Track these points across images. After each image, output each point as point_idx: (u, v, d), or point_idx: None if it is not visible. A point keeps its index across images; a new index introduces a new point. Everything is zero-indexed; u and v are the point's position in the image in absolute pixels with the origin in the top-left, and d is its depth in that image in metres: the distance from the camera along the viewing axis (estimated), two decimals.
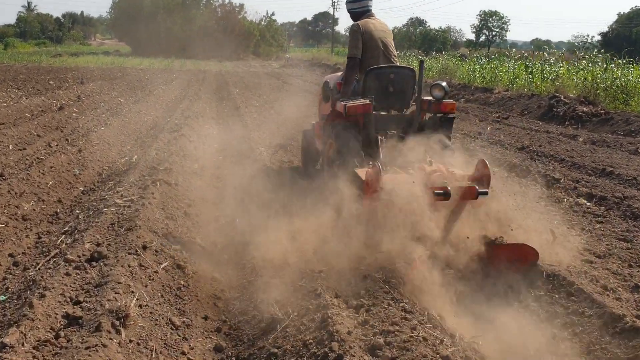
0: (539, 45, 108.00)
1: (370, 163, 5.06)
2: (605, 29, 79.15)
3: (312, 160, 8.03)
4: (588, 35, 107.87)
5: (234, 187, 6.78)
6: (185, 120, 12.56)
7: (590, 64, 20.74)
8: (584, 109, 15.27)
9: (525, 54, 28.78)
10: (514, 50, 34.22)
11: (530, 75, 22.29)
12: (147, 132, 11.47)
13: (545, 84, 20.87)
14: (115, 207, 5.33)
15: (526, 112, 17.16)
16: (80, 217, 5.54)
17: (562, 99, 16.46)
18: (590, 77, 17.88)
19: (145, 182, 6.29)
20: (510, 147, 10.64)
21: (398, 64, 6.72)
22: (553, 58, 23.16)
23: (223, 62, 55.34)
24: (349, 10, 6.92)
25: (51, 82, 24.13)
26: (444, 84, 6.15)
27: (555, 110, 15.99)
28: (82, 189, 7.20)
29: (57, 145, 9.01)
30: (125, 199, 5.56)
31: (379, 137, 5.91)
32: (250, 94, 22.62)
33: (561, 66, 21.88)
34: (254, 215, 5.59)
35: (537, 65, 22.46)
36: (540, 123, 15.18)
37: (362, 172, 5.13)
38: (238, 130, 12.21)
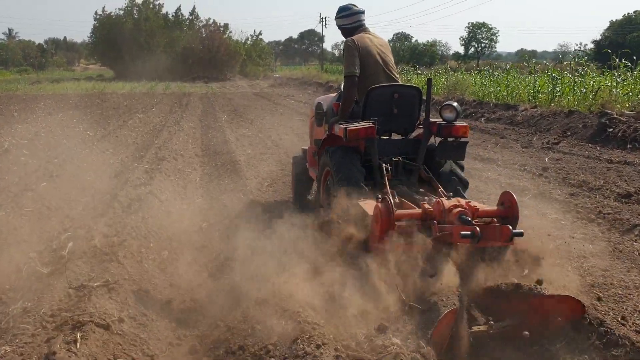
0: (524, 55, 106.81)
1: (379, 196, 4.48)
2: (598, 37, 77.69)
3: (304, 190, 7.42)
4: (580, 44, 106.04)
5: (226, 316, 3.93)
6: (159, 164, 9.70)
7: (629, 73, 18.04)
8: None
9: (548, 65, 25.99)
10: (533, 61, 31.50)
11: (556, 89, 19.55)
12: (107, 185, 8.56)
13: (576, 98, 18.19)
14: None
15: (569, 134, 14.38)
16: None
17: (615, 116, 13.71)
18: None
19: (56, 339, 3.33)
20: (609, 194, 7.73)
21: (401, 82, 6.16)
22: (581, 68, 20.37)
23: (209, 84, 53.09)
24: (339, 27, 6.33)
25: (15, 113, 21.27)
26: (454, 104, 5.56)
27: (609, 130, 13.22)
28: None
29: None
30: None
31: (383, 165, 5.37)
32: (241, 119, 19.84)
33: (593, 77, 19.19)
34: None
35: (565, 77, 19.70)
36: (598, 147, 12.40)
37: (368, 206, 4.66)
38: (229, 176, 9.36)
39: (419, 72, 37.78)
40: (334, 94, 6.93)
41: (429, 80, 5.72)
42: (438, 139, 5.62)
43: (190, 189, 8.39)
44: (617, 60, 18.07)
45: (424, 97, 5.70)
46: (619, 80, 17.73)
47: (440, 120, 5.54)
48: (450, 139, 5.48)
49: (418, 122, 5.92)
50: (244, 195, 7.95)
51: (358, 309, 3.86)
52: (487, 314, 3.85)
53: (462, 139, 5.50)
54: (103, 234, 5.43)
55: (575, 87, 18.80)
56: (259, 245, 5.23)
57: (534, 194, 7.60)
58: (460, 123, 5.51)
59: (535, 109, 18.06)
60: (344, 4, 6.32)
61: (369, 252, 4.34)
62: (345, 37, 6.17)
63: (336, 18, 6.32)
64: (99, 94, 33.95)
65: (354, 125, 5.42)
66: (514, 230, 4.04)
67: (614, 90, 16.84)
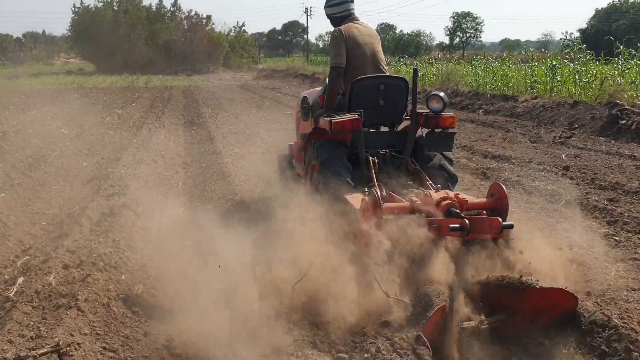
0: (509, 45, 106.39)
1: (366, 190, 4.42)
2: (584, 25, 77.22)
3: (292, 188, 6.74)
4: (566, 32, 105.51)
5: None
6: (137, 167, 8.69)
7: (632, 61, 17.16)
8: None
9: (547, 53, 25.10)
10: (531, 49, 30.70)
11: (556, 79, 18.66)
12: (77, 195, 7.55)
13: (578, 88, 17.35)
14: None
15: (577, 126, 13.51)
16: None
17: (627, 107, 12.85)
18: None
19: None
20: None
21: (388, 74, 5.99)
22: (582, 56, 19.46)
23: (192, 76, 52.02)
24: (328, 16, 6.17)
25: None
26: (442, 94, 5.49)
27: (621, 122, 12.36)
28: None
29: None
30: None
31: (370, 158, 5.26)
32: (226, 114, 18.77)
33: (595, 65, 18.33)
34: None
35: (565, 66, 18.80)
36: (612, 141, 11.54)
37: (354, 200, 4.56)
38: (215, 180, 8.36)
39: (407, 62, 36.81)
40: (320, 88, 6.79)
41: (415, 70, 5.58)
42: (426, 131, 5.51)
43: (171, 197, 7.37)
44: (621, 47, 17.19)
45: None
46: (621, 68, 16.89)
47: (427, 111, 5.41)
48: (437, 130, 5.37)
49: (405, 113, 5.77)
50: (233, 204, 6.96)
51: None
52: (478, 308, 3.76)
53: (450, 130, 5.38)
54: (63, 265, 4.41)
55: (577, 77, 17.93)
56: (254, 271, 4.29)
57: (567, 200, 6.66)
58: (448, 113, 5.38)
59: (536, 100, 17.18)
60: None
61: (357, 246, 4.23)
62: (334, 27, 6.01)
63: (325, 7, 6.17)
64: (78, 89, 32.69)
65: (339, 118, 5.29)
66: (503, 223, 3.91)
67: (617, 79, 16.01)
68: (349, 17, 6.02)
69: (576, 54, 19.23)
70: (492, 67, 24.17)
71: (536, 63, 21.49)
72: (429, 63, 32.20)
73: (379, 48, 6.00)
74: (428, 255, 3.99)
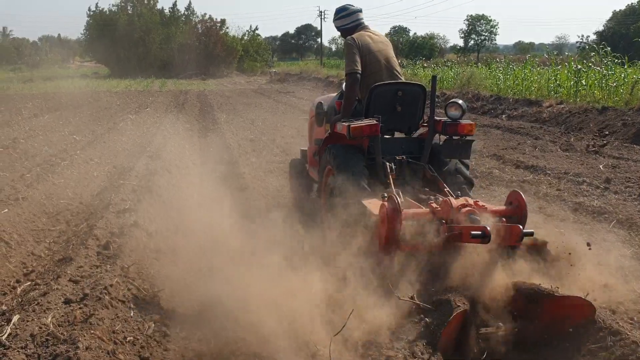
0: (523, 48, 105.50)
1: (385, 195, 4.35)
2: (601, 28, 76.35)
3: (304, 193, 7.12)
4: (582, 35, 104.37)
5: None
6: (150, 178, 8.21)
7: None
8: None
9: (571, 56, 24.46)
10: (555, 53, 30.07)
11: (581, 83, 18.03)
12: (85, 210, 7.08)
13: (604, 92, 16.75)
14: None
15: (607, 133, 12.92)
16: None
17: None
18: None
19: None
20: None
21: (404, 80, 6.03)
22: (608, 59, 18.81)
23: (206, 80, 51.74)
24: (338, 28, 6.27)
25: None
26: (460, 101, 5.45)
27: None
28: None
29: None
30: None
31: (387, 164, 5.20)
32: (241, 120, 18.34)
33: (622, 70, 17.70)
34: None
35: (591, 70, 18.17)
36: None
37: (372, 205, 4.53)
38: (232, 193, 7.84)
39: (424, 65, 36.21)
40: (335, 94, 6.84)
41: (434, 78, 5.64)
42: (443, 137, 5.52)
43: (186, 213, 6.86)
44: None
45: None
46: None
47: (445, 118, 5.44)
48: (455, 137, 5.37)
49: (422, 120, 5.81)
50: (253, 221, 6.45)
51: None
52: (496, 315, 3.75)
53: (468, 137, 5.39)
54: (64, 298, 3.89)
55: (603, 81, 17.30)
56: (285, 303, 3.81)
57: (618, 219, 6.09)
58: (466, 121, 5.40)
59: (562, 105, 16.57)
60: (341, 5, 6.25)
61: (376, 254, 4.22)
62: (344, 37, 6.09)
63: (334, 20, 6.26)
64: (92, 93, 32.42)
65: (358, 123, 5.29)
66: (524, 230, 3.91)
67: None
68: (359, 26, 6.09)
69: (604, 56, 18.61)
70: (514, 70, 23.55)
71: (559, 67, 20.86)
72: (447, 66, 31.61)
73: (392, 54, 6.04)
74: (448, 261, 4.00)
